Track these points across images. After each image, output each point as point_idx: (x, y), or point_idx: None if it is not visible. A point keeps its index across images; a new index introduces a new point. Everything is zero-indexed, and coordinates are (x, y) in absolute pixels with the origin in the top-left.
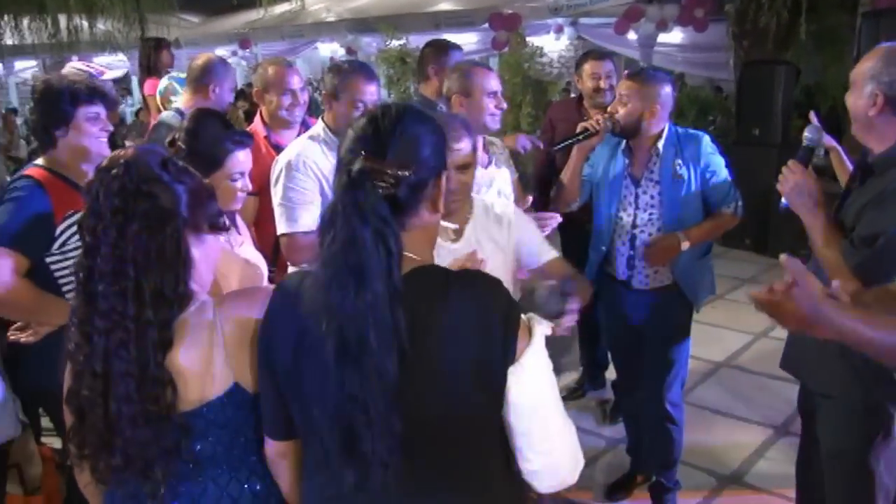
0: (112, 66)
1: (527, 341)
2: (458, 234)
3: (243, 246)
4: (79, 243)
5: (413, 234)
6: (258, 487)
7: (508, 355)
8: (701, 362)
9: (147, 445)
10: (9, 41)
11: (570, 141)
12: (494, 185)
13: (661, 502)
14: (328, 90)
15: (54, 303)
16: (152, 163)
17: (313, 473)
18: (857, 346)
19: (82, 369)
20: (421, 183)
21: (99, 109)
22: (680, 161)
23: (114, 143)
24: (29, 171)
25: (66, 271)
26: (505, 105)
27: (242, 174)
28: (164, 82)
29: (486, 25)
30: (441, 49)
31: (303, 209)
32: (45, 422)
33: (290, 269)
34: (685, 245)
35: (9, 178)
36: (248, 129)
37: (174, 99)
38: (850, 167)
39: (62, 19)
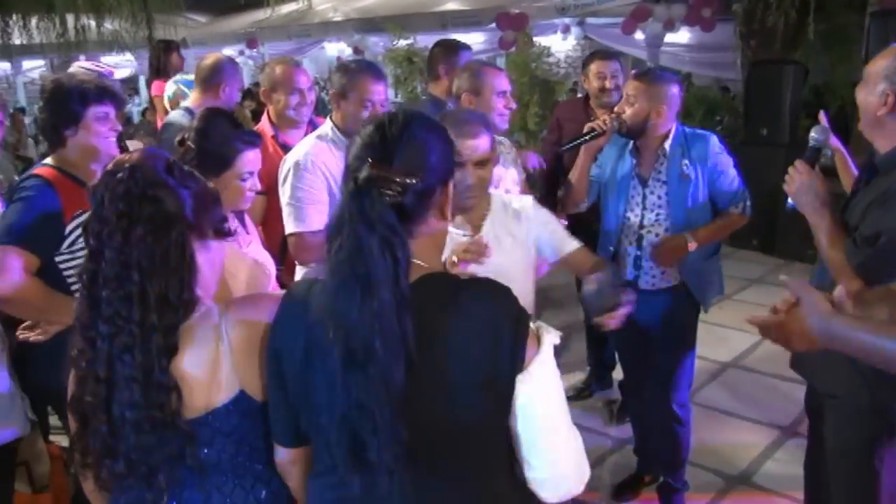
0: (119, 65)
1: (535, 350)
2: (476, 229)
3: (252, 245)
4: None
5: (421, 242)
6: (263, 494)
7: (517, 363)
8: (708, 363)
9: (151, 452)
10: (17, 41)
11: (577, 141)
12: (501, 185)
13: (669, 503)
14: (336, 89)
15: (63, 301)
16: (157, 167)
17: (320, 475)
18: (871, 361)
19: (86, 374)
20: (428, 190)
21: (108, 109)
22: (687, 161)
23: (119, 142)
24: (38, 170)
25: (75, 270)
26: (514, 105)
27: (252, 174)
28: (171, 87)
29: (493, 25)
30: (451, 49)
31: (311, 208)
32: (54, 420)
33: (298, 269)
34: (692, 246)
35: (17, 178)
36: (255, 128)
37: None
38: (854, 170)
39: (70, 19)
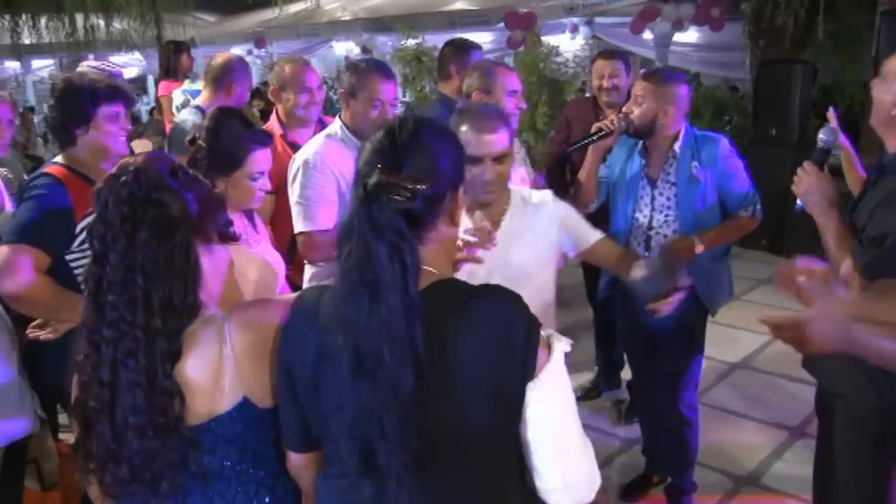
0: (128, 64)
1: (546, 357)
2: (496, 224)
3: (262, 245)
4: None
5: (431, 248)
6: (266, 501)
7: (527, 371)
8: (717, 363)
9: (154, 457)
10: (27, 40)
11: (584, 141)
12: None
13: None
14: (346, 88)
15: (74, 300)
16: (162, 170)
17: (331, 478)
18: (891, 366)
19: (89, 379)
20: (438, 196)
21: (119, 108)
22: (696, 163)
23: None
24: (49, 168)
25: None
26: (525, 104)
27: (262, 173)
28: (179, 97)
29: (502, 24)
30: (463, 48)
31: (320, 207)
32: (63, 419)
33: (307, 268)
34: (700, 248)
35: (26, 177)
36: (263, 127)
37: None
38: (861, 171)
39: (79, 18)
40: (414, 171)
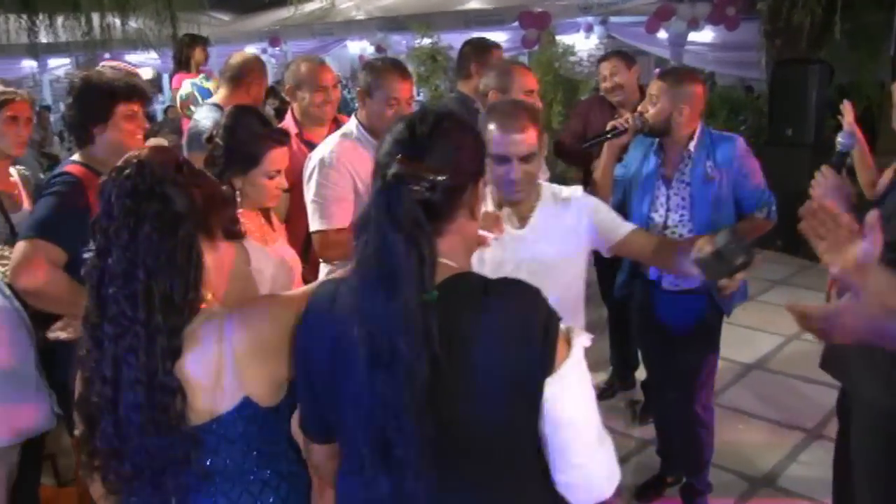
0: (143, 63)
1: (566, 352)
2: (524, 221)
3: (278, 243)
4: None
5: (449, 241)
6: (271, 500)
7: (546, 366)
8: (732, 364)
9: (156, 455)
10: (43, 39)
11: (599, 138)
12: None
13: None
14: (362, 87)
15: None
16: (166, 164)
17: (350, 473)
18: None
19: (92, 375)
20: (458, 188)
21: (136, 107)
22: (711, 163)
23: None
24: (67, 167)
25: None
26: (541, 104)
27: (279, 171)
28: (186, 87)
29: (516, 24)
30: (483, 47)
31: (335, 206)
32: None
33: (322, 266)
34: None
35: (42, 175)
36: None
37: (193, 109)
38: (872, 164)
39: (95, 17)
40: (434, 161)
